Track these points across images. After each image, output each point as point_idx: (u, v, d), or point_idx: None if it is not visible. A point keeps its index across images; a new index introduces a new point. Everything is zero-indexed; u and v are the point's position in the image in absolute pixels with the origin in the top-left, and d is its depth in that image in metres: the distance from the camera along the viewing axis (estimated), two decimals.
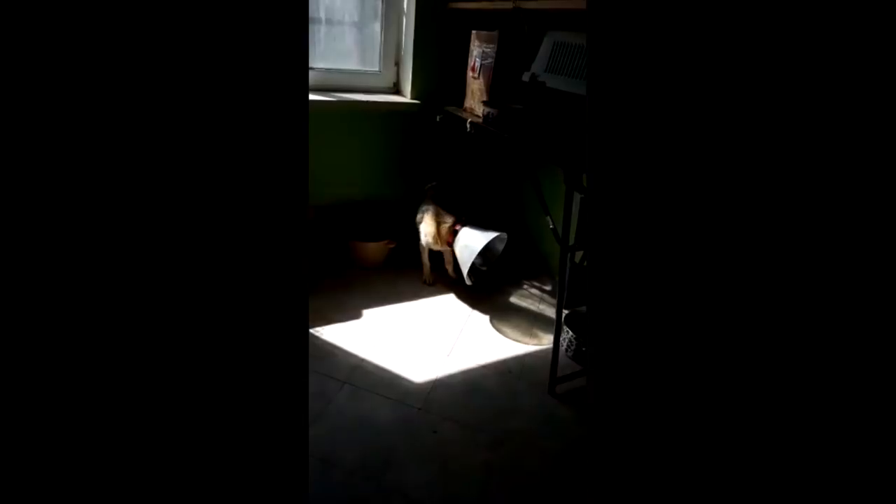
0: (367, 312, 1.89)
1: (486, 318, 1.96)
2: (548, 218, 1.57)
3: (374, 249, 2.21)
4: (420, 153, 2.33)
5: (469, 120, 1.85)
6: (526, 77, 1.66)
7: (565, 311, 1.64)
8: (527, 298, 2.13)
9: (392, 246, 2.23)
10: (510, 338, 1.84)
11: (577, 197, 1.37)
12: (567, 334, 1.74)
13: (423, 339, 1.78)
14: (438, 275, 2.21)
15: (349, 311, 1.88)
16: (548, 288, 2.21)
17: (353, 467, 1.25)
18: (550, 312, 2.02)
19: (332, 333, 1.75)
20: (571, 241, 1.42)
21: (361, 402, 1.45)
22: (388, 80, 2.30)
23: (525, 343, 1.82)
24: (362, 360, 1.63)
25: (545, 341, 1.82)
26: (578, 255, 1.49)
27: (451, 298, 2.08)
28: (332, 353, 1.65)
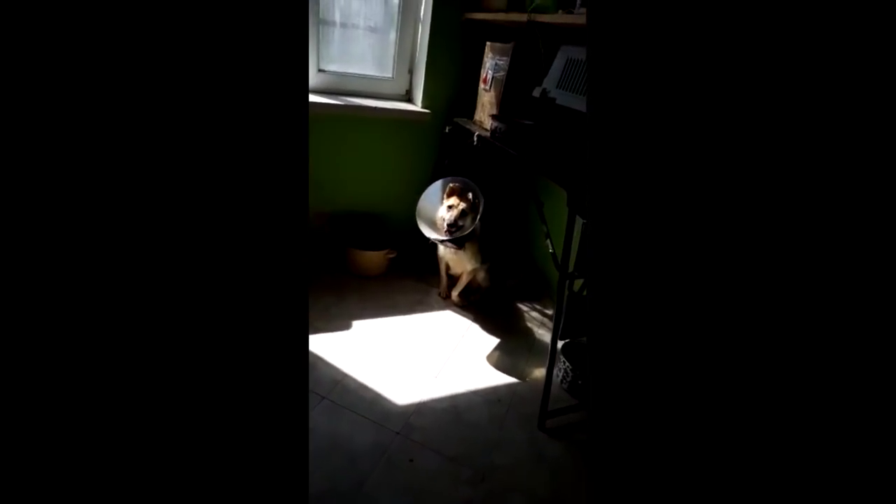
0: (357, 324, 1.82)
1: (482, 339, 1.87)
2: (548, 241, 1.49)
3: (373, 258, 2.15)
4: (428, 164, 2.27)
5: (476, 133, 1.79)
6: (536, 93, 1.59)
7: (560, 342, 1.55)
8: (527, 323, 2.04)
9: (392, 256, 2.17)
10: (502, 365, 1.75)
11: (579, 221, 1.29)
12: (563, 364, 1.64)
13: (412, 357, 1.70)
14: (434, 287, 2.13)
15: (338, 322, 1.81)
16: (549, 312, 2.12)
17: (321, 492, 1.17)
18: (548, 339, 1.92)
19: (317, 344, 1.68)
20: (571, 268, 1.33)
21: (339, 421, 1.38)
22: (401, 88, 2.26)
23: (517, 373, 1.73)
24: (345, 375, 1.56)
25: (538, 373, 1.72)
26: (578, 283, 1.40)
27: (447, 315, 2.00)
28: (315, 364, 1.59)
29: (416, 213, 1.94)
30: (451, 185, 1.91)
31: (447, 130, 2.11)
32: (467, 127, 1.94)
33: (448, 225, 1.84)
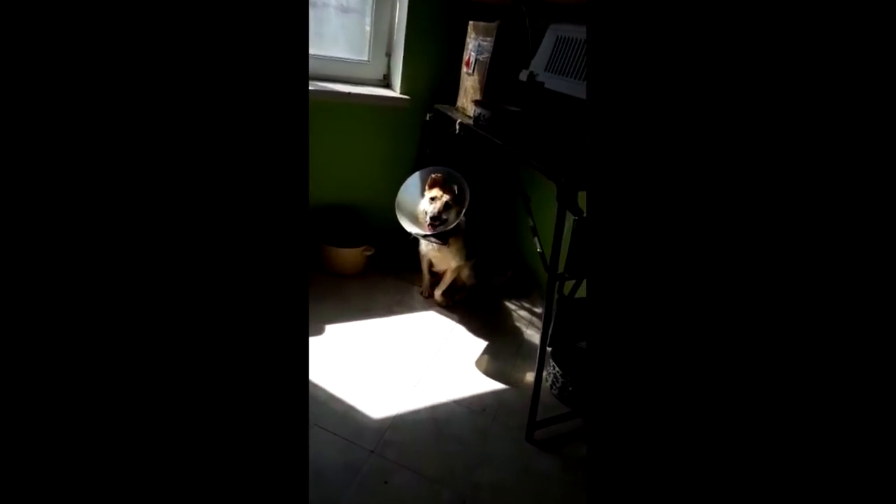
0: (330, 328, 1.69)
1: (466, 342, 1.75)
2: (535, 239, 1.37)
3: (350, 256, 2.01)
4: (408, 154, 2.13)
5: (458, 121, 1.65)
6: (523, 76, 1.45)
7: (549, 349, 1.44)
8: (515, 322, 1.92)
9: (370, 253, 2.03)
10: (488, 370, 1.64)
11: (569, 218, 1.16)
12: (553, 370, 1.53)
13: (389, 364, 1.57)
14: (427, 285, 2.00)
15: (310, 326, 1.67)
16: (538, 310, 2.01)
17: None
18: (537, 339, 1.81)
19: None
20: (561, 269, 1.21)
21: None
22: (378, 72, 2.10)
23: (504, 378, 1.61)
24: (315, 386, 1.42)
25: (526, 379, 1.61)
26: (569, 285, 1.28)
27: (430, 316, 1.88)
28: None
29: (396, 205, 1.80)
30: (433, 175, 1.77)
31: (428, 118, 1.97)
32: (449, 114, 1.80)
33: (431, 219, 1.69)
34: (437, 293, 1.93)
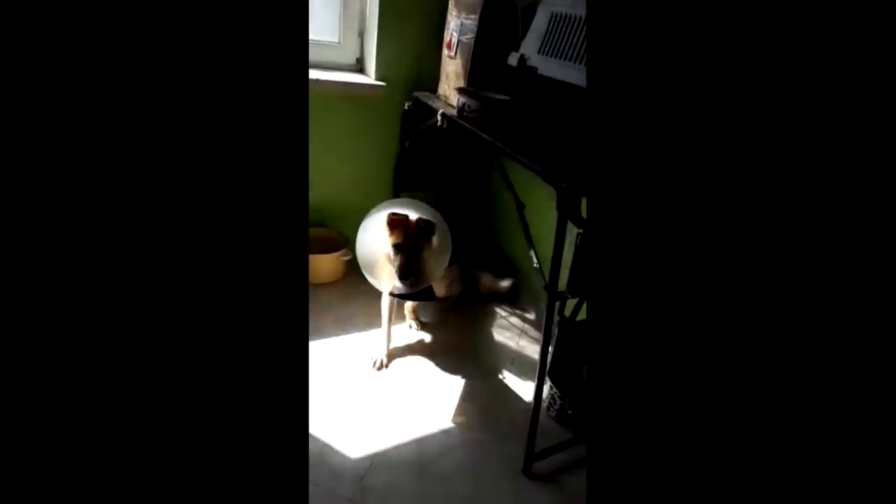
0: None
1: (453, 358, 1.59)
2: (531, 253, 1.20)
3: (325, 263, 1.83)
4: (388, 148, 1.93)
5: (440, 111, 1.46)
6: (513, 60, 1.26)
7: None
8: (505, 330, 1.77)
9: (348, 258, 1.84)
10: (478, 391, 1.49)
11: (572, 229, 1.00)
12: (551, 390, 1.38)
13: (369, 388, 1.41)
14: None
15: None
16: (530, 317, 1.85)
17: None
18: (531, 351, 1.66)
19: None
20: (562, 287, 1.05)
21: None
22: (350, 56, 1.88)
23: (496, 400, 1.46)
24: None
25: (522, 400, 1.46)
26: (572, 303, 1.12)
27: (412, 331, 1.71)
28: None
29: (357, 253, 1.43)
30: (391, 214, 1.35)
31: (407, 107, 1.77)
32: (429, 103, 1.61)
33: (401, 278, 1.34)
34: (410, 316, 1.72)
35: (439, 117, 1.45)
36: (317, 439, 1.22)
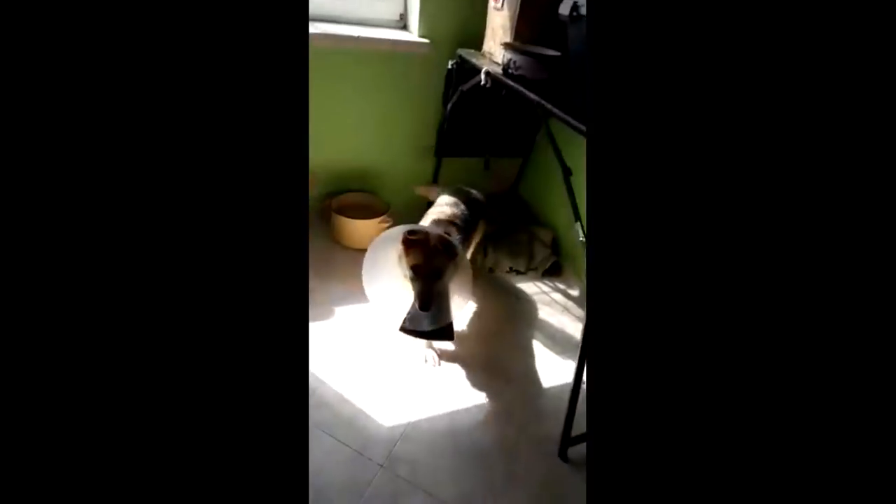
0: (340, 311, 1.52)
1: (491, 331, 1.55)
2: (577, 225, 1.10)
3: (365, 228, 1.81)
4: (432, 110, 1.84)
5: (485, 69, 1.36)
6: (564, 9, 1.13)
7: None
8: (546, 307, 1.69)
9: (388, 224, 1.81)
10: (517, 367, 1.44)
11: None
12: None
13: (404, 358, 1.39)
14: None
15: (317, 308, 1.50)
16: (573, 293, 1.76)
17: None
18: (573, 329, 1.58)
19: None
20: None
21: (310, 446, 1.11)
22: (393, 11, 1.79)
23: (534, 378, 1.41)
24: (321, 383, 1.27)
25: (561, 379, 1.40)
26: None
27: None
28: None
29: (364, 278, 1.28)
30: (406, 233, 1.20)
31: (451, 66, 1.67)
32: (473, 61, 1.50)
33: (420, 304, 1.20)
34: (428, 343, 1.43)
35: (483, 76, 1.35)
36: (352, 404, 1.22)
